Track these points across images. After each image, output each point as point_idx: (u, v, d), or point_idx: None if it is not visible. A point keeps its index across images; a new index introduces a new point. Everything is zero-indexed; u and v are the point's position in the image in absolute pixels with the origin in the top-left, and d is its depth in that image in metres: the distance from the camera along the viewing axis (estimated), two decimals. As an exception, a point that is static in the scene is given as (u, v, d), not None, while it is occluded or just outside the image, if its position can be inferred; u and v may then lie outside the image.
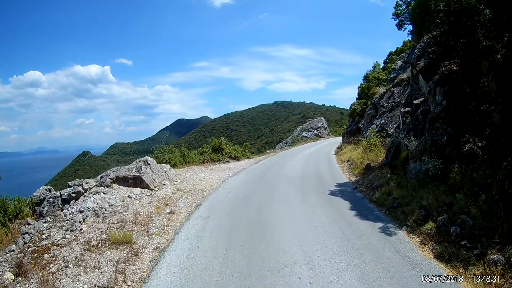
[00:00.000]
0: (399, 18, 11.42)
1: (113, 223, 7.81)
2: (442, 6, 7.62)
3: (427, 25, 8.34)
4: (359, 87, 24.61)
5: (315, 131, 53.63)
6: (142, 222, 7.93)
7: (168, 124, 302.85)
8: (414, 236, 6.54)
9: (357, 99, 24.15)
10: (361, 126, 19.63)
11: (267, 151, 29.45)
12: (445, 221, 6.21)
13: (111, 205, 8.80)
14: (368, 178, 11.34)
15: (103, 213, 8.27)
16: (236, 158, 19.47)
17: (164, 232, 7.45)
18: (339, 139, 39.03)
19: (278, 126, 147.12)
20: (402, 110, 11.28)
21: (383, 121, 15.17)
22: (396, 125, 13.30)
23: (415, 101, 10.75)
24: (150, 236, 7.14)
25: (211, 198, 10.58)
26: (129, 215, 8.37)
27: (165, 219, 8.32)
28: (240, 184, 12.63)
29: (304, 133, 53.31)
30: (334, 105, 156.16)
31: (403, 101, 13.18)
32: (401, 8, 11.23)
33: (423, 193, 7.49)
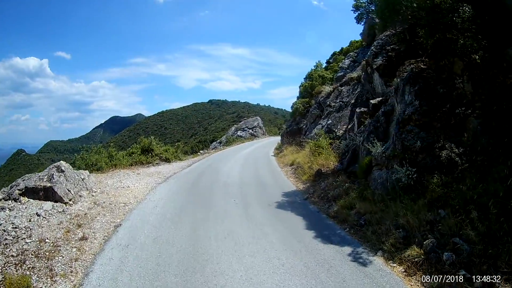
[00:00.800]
0: (359, 11, 10.63)
1: (12, 255, 5.68)
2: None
3: (395, 18, 7.38)
4: (301, 85, 23.94)
5: (250, 131, 52.75)
6: (47, 254, 5.87)
7: (103, 122, 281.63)
8: (395, 265, 5.30)
9: (298, 98, 23.51)
10: (304, 126, 18.89)
11: (201, 151, 27.26)
12: (433, 246, 5.14)
13: (15, 227, 6.62)
14: (321, 186, 10.15)
15: (5, 239, 6.18)
16: (167, 160, 16.99)
17: (71, 272, 5.40)
18: (275, 139, 37.39)
19: (212, 125, 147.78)
20: (358, 110, 10.44)
21: (330, 121, 14.43)
22: (345, 126, 12.55)
23: (371, 101, 9.97)
24: (53, 278, 5.19)
25: (134, 215, 8.21)
26: (32, 243, 6.23)
27: (75, 249, 6.24)
28: (169, 194, 10.39)
29: (239, 132, 52.01)
30: (269, 105, 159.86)
31: (353, 101, 12.50)
32: (362, 1, 10.43)
33: (397, 208, 6.43)
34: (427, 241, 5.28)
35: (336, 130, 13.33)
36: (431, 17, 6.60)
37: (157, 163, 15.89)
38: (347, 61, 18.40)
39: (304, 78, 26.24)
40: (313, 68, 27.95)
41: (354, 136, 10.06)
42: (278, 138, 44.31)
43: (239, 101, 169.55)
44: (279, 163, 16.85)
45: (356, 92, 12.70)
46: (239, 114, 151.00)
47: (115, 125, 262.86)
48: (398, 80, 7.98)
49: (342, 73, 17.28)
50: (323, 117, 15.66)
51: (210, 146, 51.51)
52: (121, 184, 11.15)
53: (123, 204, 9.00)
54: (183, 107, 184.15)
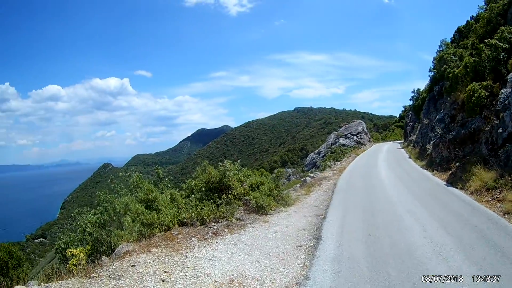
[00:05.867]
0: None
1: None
2: None
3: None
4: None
5: (355, 137, 43.81)
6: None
7: (189, 135, 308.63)
8: None
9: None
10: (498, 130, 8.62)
11: (309, 175, 18.17)
12: None
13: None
14: None
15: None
16: (260, 211, 8.58)
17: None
18: (395, 147, 32.13)
19: (300, 133, 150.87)
20: None
21: None
22: None
23: None
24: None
25: None
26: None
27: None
28: None
29: (341, 140, 42.50)
30: (355, 109, 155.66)
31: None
32: None
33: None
34: None
35: None
36: None
37: (237, 220, 7.80)
38: None
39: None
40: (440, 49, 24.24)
41: None
42: (394, 146, 34.88)
43: (324, 107, 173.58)
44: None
45: None
46: (326, 120, 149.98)
47: (202, 137, 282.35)
48: None
49: None
50: None
51: (308, 159, 42.42)
52: None
53: None
54: (269, 116, 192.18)
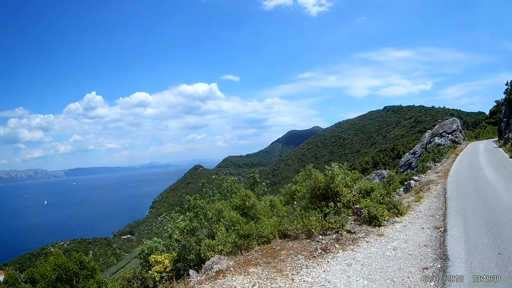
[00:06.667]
0: None
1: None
2: None
3: None
4: None
5: (450, 136, 41.23)
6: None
7: (280, 136, 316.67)
8: None
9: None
10: None
11: (413, 178, 15.91)
12: None
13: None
14: None
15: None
16: (373, 222, 7.27)
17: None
18: (490, 146, 29.94)
19: (390, 132, 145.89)
20: None
21: None
22: None
23: None
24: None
25: None
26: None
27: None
28: None
29: (436, 139, 38.47)
30: (444, 106, 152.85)
31: None
32: None
33: None
34: None
35: None
36: None
37: (348, 233, 6.78)
38: None
39: None
40: None
41: None
42: (489, 145, 32.18)
43: (413, 105, 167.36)
44: None
45: None
46: (416, 119, 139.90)
47: (293, 138, 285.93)
48: None
49: None
50: None
51: (403, 160, 38.88)
52: None
53: None
54: (359, 116, 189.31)
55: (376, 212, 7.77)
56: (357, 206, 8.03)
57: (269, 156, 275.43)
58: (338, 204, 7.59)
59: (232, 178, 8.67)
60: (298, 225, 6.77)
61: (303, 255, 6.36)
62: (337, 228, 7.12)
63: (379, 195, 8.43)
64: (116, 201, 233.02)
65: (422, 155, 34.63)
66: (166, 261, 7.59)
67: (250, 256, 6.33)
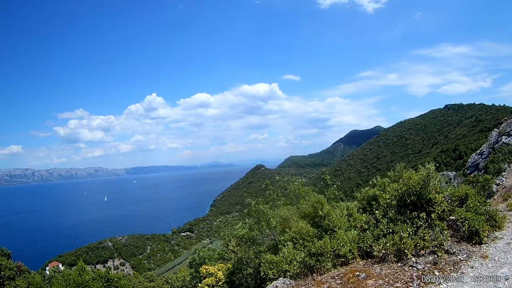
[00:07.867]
0: None
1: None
2: None
3: None
4: None
5: None
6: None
7: (342, 136, 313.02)
8: None
9: None
10: None
11: (494, 182, 13.72)
12: None
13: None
14: None
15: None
16: (473, 238, 5.76)
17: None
18: None
19: (452, 132, 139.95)
20: None
21: None
22: None
23: None
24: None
25: None
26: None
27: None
28: None
29: (503, 139, 34.68)
30: (504, 104, 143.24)
31: None
32: None
33: None
34: None
35: None
36: None
37: (446, 253, 5.30)
38: None
39: None
40: None
41: None
42: None
43: (474, 103, 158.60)
44: None
45: None
46: (477, 117, 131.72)
47: (355, 138, 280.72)
48: None
49: None
50: None
51: (470, 161, 35.22)
52: None
53: None
54: (420, 115, 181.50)
55: (478, 227, 6.25)
56: (452, 217, 6.56)
57: (331, 156, 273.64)
58: (432, 215, 6.17)
59: (300, 180, 7.46)
60: (388, 244, 5.46)
61: (396, 287, 5.08)
62: (433, 247, 5.75)
63: (478, 203, 6.85)
64: (176, 199, 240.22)
65: (489, 155, 31.51)
66: (220, 273, 6.75)
67: (323, 280, 5.15)
